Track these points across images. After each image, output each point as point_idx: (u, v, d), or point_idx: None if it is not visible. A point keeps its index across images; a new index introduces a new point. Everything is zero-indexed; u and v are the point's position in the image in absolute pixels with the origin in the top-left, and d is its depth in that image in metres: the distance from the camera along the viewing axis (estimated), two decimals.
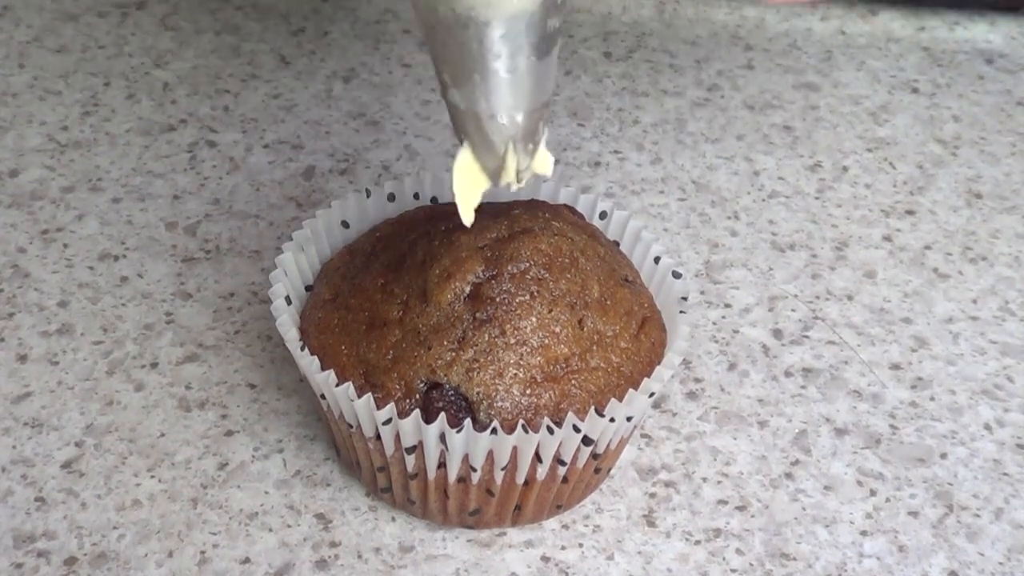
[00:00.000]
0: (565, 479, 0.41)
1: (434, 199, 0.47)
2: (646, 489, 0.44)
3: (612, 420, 0.39)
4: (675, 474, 0.45)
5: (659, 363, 0.42)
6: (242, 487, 0.44)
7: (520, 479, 0.40)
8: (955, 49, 0.68)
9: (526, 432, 0.38)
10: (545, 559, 0.42)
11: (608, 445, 0.41)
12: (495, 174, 0.37)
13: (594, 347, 0.40)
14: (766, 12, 0.69)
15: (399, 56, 0.65)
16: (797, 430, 0.47)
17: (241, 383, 0.47)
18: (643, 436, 0.46)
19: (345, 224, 0.46)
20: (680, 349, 0.42)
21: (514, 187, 0.38)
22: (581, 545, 0.42)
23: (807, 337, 0.50)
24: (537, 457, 0.39)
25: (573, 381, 0.40)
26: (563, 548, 0.42)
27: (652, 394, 0.40)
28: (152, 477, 0.44)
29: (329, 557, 0.41)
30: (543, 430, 0.38)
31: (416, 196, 0.47)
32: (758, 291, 0.52)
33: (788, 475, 0.45)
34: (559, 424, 0.39)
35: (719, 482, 0.45)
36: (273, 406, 0.46)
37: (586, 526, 0.43)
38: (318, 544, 0.42)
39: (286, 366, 0.48)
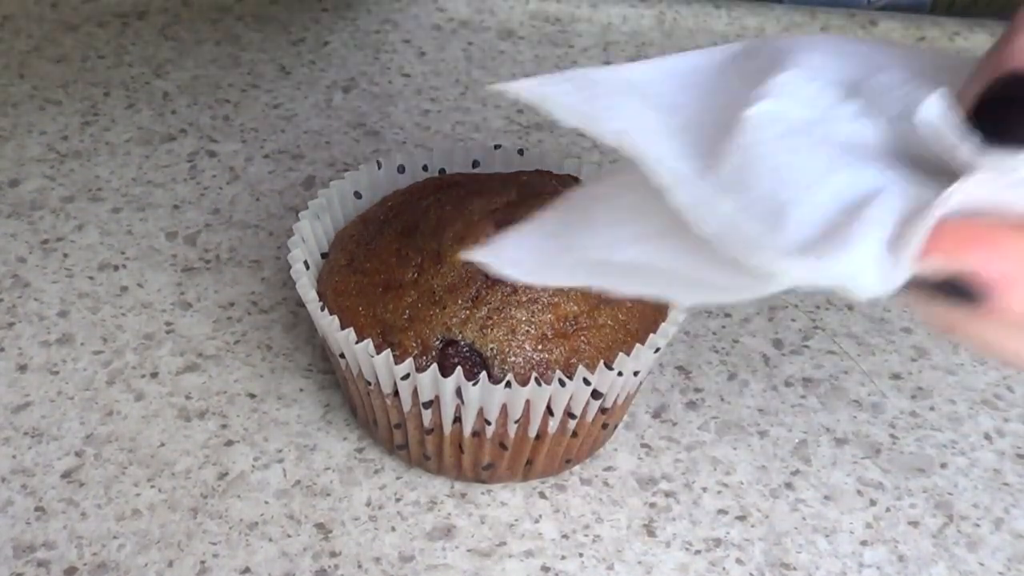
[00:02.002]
0: (575, 433, 0.42)
1: (442, 170, 0.49)
2: (646, 499, 0.44)
3: (620, 374, 0.41)
4: (675, 484, 0.45)
5: (663, 321, 0.43)
6: (242, 497, 0.44)
7: (532, 432, 0.42)
8: None
9: (539, 385, 0.40)
10: (545, 569, 0.42)
11: (616, 400, 0.43)
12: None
13: (601, 305, 0.42)
14: (766, 21, 0.69)
15: (399, 66, 0.65)
16: (797, 440, 0.47)
17: (241, 393, 0.47)
18: (643, 446, 0.46)
19: (358, 195, 0.47)
20: (683, 306, 0.43)
21: None
22: (581, 555, 0.42)
23: (807, 347, 0.50)
24: (548, 410, 0.41)
25: (582, 337, 0.41)
26: (563, 558, 0.42)
27: (658, 349, 0.42)
28: (152, 487, 0.44)
29: (329, 567, 0.41)
30: (555, 383, 0.40)
31: (425, 168, 0.49)
32: (758, 301, 0.52)
33: (788, 485, 0.45)
34: (570, 377, 0.40)
35: (719, 492, 0.45)
36: (273, 416, 0.46)
37: (586, 536, 0.43)
38: (318, 554, 0.42)
39: (286, 376, 0.48)
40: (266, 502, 0.43)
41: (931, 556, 0.43)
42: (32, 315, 0.50)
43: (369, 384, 0.42)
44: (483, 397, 0.40)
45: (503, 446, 0.42)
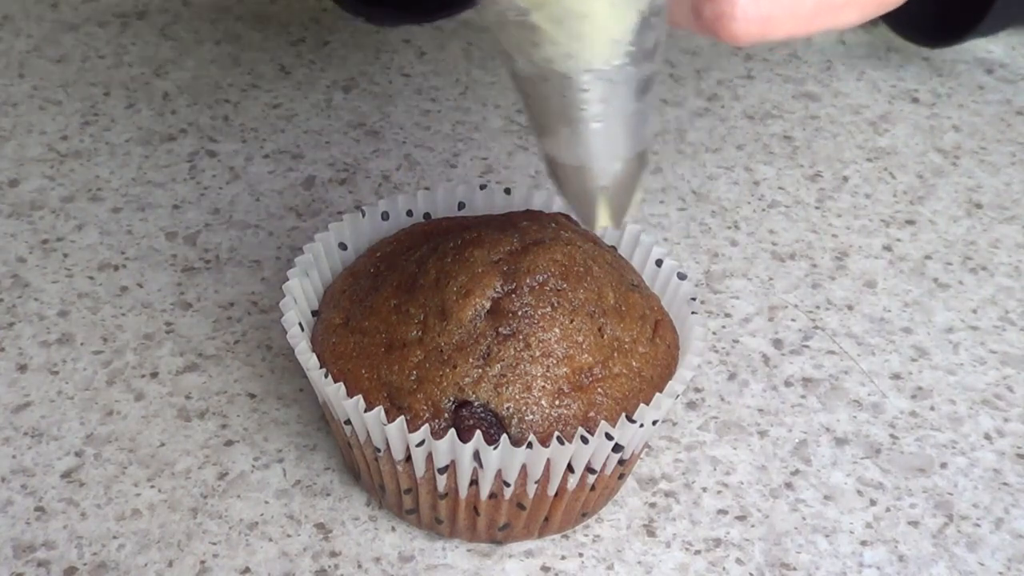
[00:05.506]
0: (592, 487, 0.41)
1: (427, 215, 0.47)
2: (646, 499, 0.44)
3: (641, 425, 0.39)
4: (675, 484, 0.45)
5: (675, 364, 0.42)
6: (242, 497, 0.44)
7: (552, 491, 0.40)
8: (955, 59, 0.68)
9: (561, 444, 0.38)
10: (545, 569, 0.42)
11: (634, 451, 0.41)
12: (587, 220, 0.35)
13: (615, 354, 0.40)
14: None
15: (399, 66, 0.65)
16: (797, 440, 0.47)
17: (241, 393, 0.47)
18: (643, 446, 0.46)
19: (342, 246, 0.46)
20: (698, 349, 0.42)
21: (609, 229, 0.36)
22: (581, 555, 0.42)
23: (807, 347, 0.50)
24: (569, 468, 0.40)
25: (599, 389, 0.40)
26: (563, 558, 0.42)
27: (677, 396, 0.41)
28: (152, 487, 0.44)
29: (329, 567, 0.41)
30: (576, 440, 0.38)
31: (409, 213, 0.47)
32: (758, 301, 0.52)
33: (788, 485, 0.45)
34: (592, 433, 0.39)
35: (719, 492, 0.45)
36: (273, 416, 0.46)
37: (586, 536, 0.43)
38: (318, 554, 0.42)
39: (286, 376, 0.48)
40: (266, 502, 0.43)
41: (931, 556, 0.43)
42: (32, 315, 0.50)
43: (378, 451, 0.40)
44: (503, 460, 0.39)
45: (521, 506, 0.40)
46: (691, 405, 0.48)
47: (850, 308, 0.52)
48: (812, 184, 0.59)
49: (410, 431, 0.39)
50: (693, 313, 0.43)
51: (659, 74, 0.33)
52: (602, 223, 0.35)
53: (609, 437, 0.39)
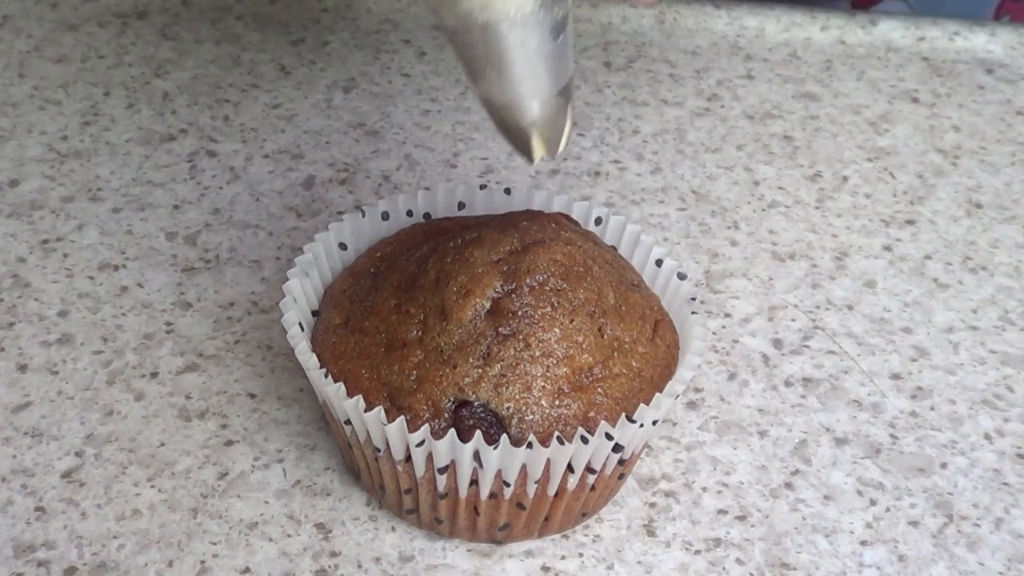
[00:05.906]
0: (592, 487, 0.41)
1: (427, 215, 0.47)
2: (646, 499, 0.44)
3: (641, 425, 0.39)
4: (675, 484, 0.45)
5: (675, 364, 0.42)
6: (242, 497, 0.44)
7: (552, 491, 0.40)
8: (955, 59, 0.68)
9: (561, 444, 0.38)
10: (545, 569, 0.42)
11: (634, 451, 0.41)
12: (525, 153, 0.39)
13: (615, 354, 0.40)
14: (766, 21, 0.70)
15: (399, 66, 0.65)
16: (797, 440, 0.47)
17: (241, 393, 0.47)
18: (643, 446, 0.46)
19: (343, 246, 0.46)
20: (698, 349, 0.42)
21: (545, 159, 0.40)
22: (581, 555, 0.42)
23: (807, 347, 0.50)
24: (569, 468, 0.40)
25: (599, 389, 0.40)
26: (563, 558, 0.42)
27: (677, 396, 0.41)
28: (152, 487, 0.44)
29: (329, 567, 0.41)
30: (576, 440, 0.38)
31: (409, 213, 0.47)
32: (758, 301, 0.52)
33: (788, 485, 0.45)
34: (591, 433, 0.39)
35: (719, 492, 0.45)
36: (273, 416, 0.46)
37: (586, 536, 0.43)
38: (318, 554, 0.42)
39: (286, 376, 0.48)
40: (266, 502, 0.43)
41: (931, 556, 0.43)
42: (32, 315, 0.50)
43: (378, 451, 0.40)
44: (503, 460, 0.39)
45: (521, 506, 0.40)
46: (691, 405, 0.48)
47: (850, 308, 0.52)
48: (812, 184, 0.59)
49: (410, 431, 0.39)
50: (693, 313, 0.43)
51: (571, 15, 0.37)
52: (538, 154, 0.38)
53: (609, 437, 0.39)
